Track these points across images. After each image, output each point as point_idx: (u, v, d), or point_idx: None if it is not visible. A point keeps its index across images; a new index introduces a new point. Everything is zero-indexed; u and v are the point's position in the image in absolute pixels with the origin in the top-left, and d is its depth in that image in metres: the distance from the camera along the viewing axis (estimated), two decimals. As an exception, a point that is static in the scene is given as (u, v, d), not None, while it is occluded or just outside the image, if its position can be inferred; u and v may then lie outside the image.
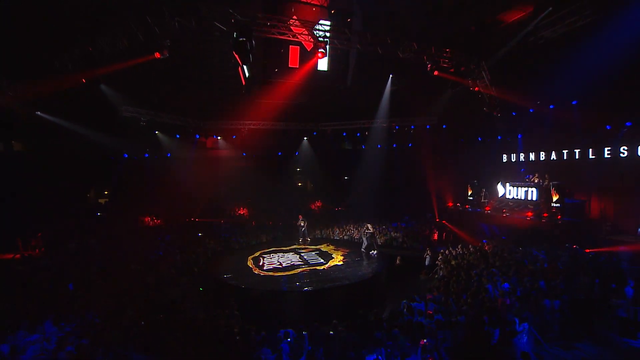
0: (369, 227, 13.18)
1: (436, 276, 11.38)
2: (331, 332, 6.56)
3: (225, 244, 16.48)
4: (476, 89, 10.47)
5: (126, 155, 19.61)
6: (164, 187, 20.60)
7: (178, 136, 19.13)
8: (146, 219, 20.31)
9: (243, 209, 23.34)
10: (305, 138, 20.39)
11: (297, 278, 10.37)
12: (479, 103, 11.46)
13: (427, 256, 12.57)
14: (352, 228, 17.68)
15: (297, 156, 23.09)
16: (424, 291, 9.57)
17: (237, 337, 6.36)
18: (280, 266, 11.56)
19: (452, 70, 8.80)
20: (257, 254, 13.39)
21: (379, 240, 16.74)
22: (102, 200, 22.88)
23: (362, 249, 13.16)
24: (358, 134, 22.12)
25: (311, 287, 9.62)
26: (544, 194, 14.40)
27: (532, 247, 11.88)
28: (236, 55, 11.66)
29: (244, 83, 13.04)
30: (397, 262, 13.19)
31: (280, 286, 9.88)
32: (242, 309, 8.36)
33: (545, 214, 13.66)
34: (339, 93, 13.59)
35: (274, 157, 23.47)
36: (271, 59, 10.23)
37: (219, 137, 19.10)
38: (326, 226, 19.00)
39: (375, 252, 12.79)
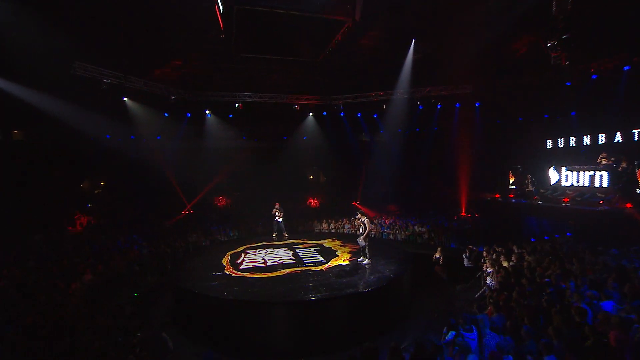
0: (362, 218, 8.63)
1: (482, 284, 8.07)
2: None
3: (211, 237, 13.85)
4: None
5: (108, 137, 17.20)
6: (153, 175, 18.33)
7: (166, 115, 16.54)
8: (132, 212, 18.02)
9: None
10: (311, 114, 17.23)
11: (279, 282, 7.24)
12: (543, 35, 8.06)
13: (466, 256, 9.26)
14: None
15: (306, 141, 20.16)
16: (468, 306, 6.33)
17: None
18: (263, 265, 8.55)
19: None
20: (240, 248, 10.47)
21: (399, 236, 13.59)
22: (97, 191, 21.06)
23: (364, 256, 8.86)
24: (375, 115, 18.89)
25: (296, 297, 6.37)
26: (623, 178, 10.98)
27: (612, 247, 8.41)
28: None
29: (222, 27, 10.22)
30: (437, 255, 9.84)
31: (249, 294, 6.59)
32: (190, 327, 5.46)
33: (629, 204, 10.16)
34: (350, 32, 10.09)
35: (278, 142, 20.74)
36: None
37: (207, 112, 16.24)
38: (335, 219, 16.20)
39: (366, 260, 8.60)
